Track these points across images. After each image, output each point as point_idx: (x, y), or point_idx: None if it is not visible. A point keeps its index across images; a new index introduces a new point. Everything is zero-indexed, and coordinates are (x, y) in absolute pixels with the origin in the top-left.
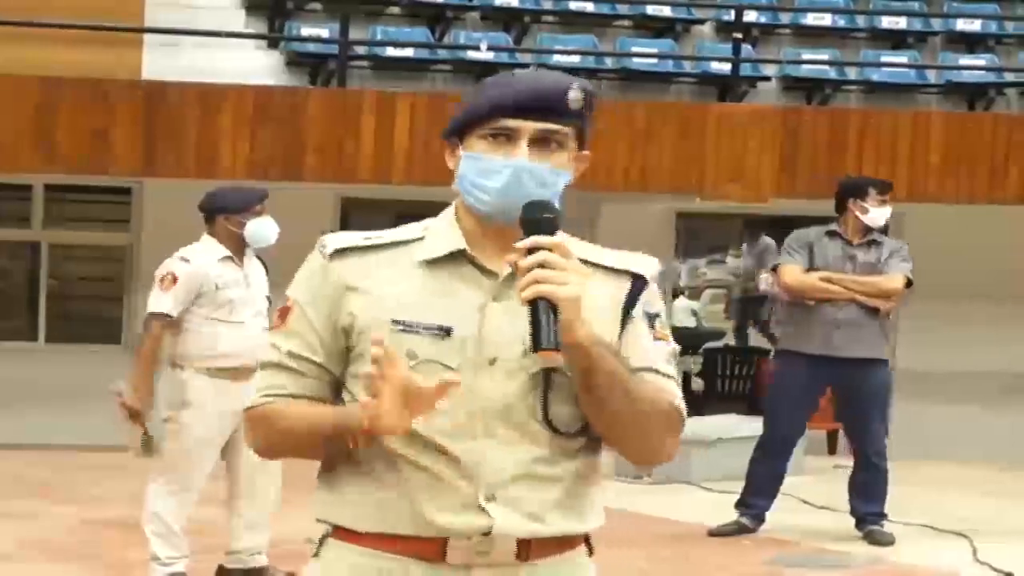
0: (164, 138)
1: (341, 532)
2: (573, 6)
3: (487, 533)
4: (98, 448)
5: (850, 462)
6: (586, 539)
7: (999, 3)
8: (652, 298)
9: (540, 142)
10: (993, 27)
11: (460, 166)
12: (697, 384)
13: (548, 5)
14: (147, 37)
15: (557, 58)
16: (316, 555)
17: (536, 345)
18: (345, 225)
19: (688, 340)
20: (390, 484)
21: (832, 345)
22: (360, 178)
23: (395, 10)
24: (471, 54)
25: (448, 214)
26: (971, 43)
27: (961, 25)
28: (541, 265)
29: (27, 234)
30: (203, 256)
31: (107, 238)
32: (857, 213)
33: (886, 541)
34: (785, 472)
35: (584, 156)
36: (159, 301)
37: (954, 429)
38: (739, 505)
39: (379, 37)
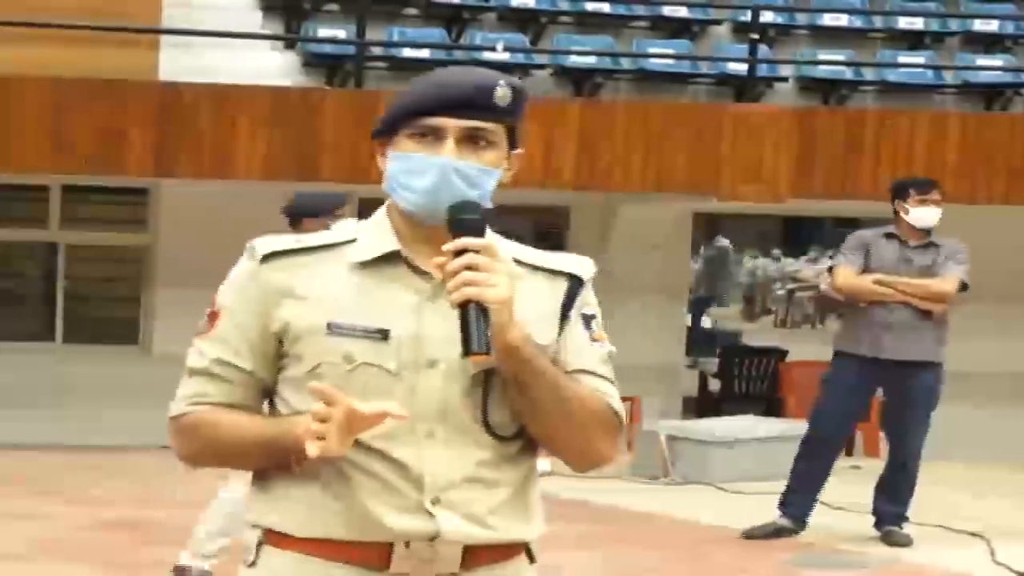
0: (180, 139)
1: (278, 538)
2: (590, 7)
3: (434, 538)
4: (111, 448)
5: (867, 463)
6: (526, 546)
7: (1016, 3)
8: (588, 299)
9: (468, 140)
10: (1010, 27)
11: (388, 166)
12: (714, 385)
13: (565, 6)
14: (163, 38)
15: (574, 59)
16: (252, 564)
17: (467, 349)
18: None
19: (704, 341)
20: (331, 488)
21: (882, 347)
22: (377, 179)
23: (412, 11)
24: (488, 55)
25: (379, 215)
26: (988, 43)
27: (978, 25)
28: (469, 267)
29: (44, 235)
30: None
31: (124, 238)
32: (901, 214)
33: (903, 542)
34: (828, 473)
35: (518, 155)
36: None
37: (969, 430)
38: (780, 506)
39: (396, 38)
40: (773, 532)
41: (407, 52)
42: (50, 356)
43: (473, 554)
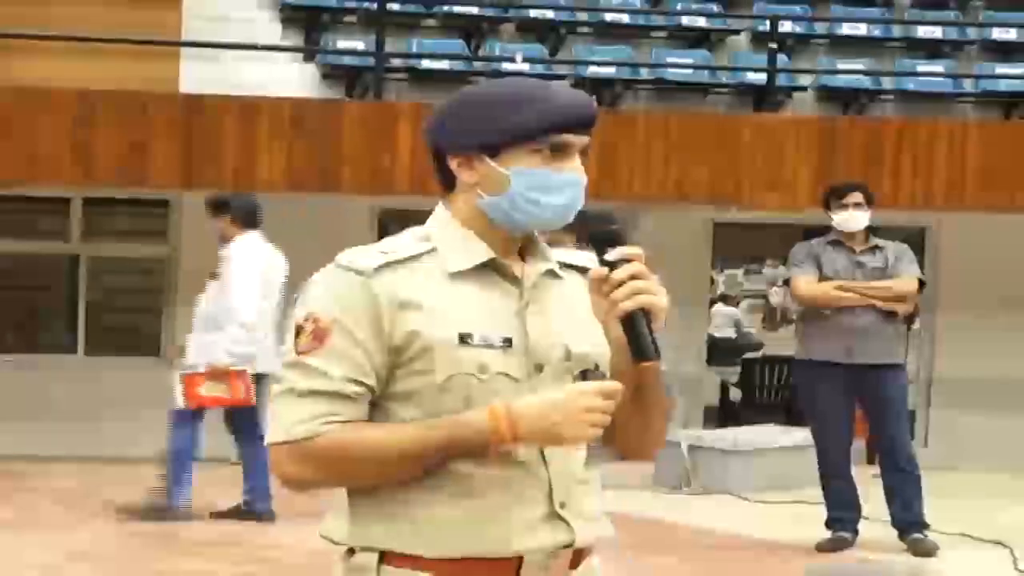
0: (202, 151)
1: (402, 559)
2: (608, 17)
3: (569, 546)
4: (135, 460)
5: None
6: None
7: None
8: None
9: (581, 155)
10: None
11: (512, 182)
12: (735, 394)
13: (583, 16)
14: (184, 50)
15: (593, 69)
16: None
17: (642, 356)
18: (384, 237)
19: (728, 350)
20: (459, 503)
21: (851, 352)
22: (397, 190)
23: (431, 22)
24: (507, 66)
25: (448, 223)
26: (1007, 52)
27: (997, 34)
28: (634, 276)
29: (66, 247)
30: None
31: (145, 251)
32: (831, 222)
33: (931, 550)
34: (851, 477)
35: None
36: None
37: (991, 437)
38: (829, 524)
39: (415, 49)
40: (840, 544)
41: (426, 63)
42: (72, 368)
43: (579, 554)
